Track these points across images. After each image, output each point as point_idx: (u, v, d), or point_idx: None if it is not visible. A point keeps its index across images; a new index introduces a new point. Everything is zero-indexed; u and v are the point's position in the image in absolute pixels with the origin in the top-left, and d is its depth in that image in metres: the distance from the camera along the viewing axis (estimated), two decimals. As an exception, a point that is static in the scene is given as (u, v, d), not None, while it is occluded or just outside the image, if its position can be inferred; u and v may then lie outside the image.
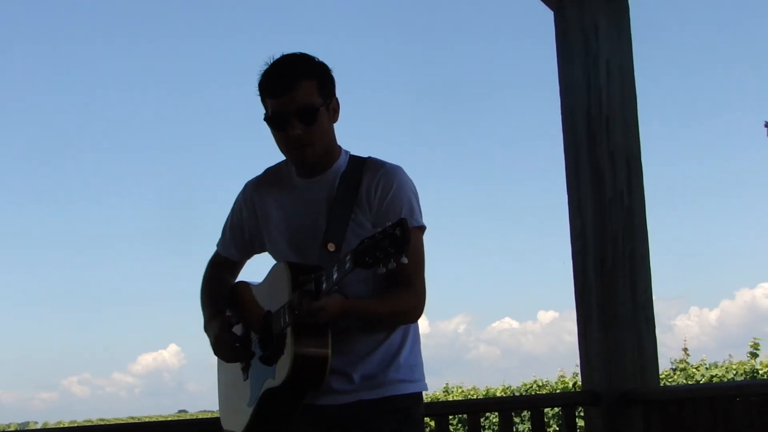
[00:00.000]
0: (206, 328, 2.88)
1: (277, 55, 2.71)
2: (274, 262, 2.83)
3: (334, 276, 2.38)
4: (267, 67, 2.70)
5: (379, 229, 2.26)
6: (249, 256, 2.96)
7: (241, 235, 2.91)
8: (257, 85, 2.71)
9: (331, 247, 2.59)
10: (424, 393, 2.80)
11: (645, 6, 5.05)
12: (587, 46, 4.61)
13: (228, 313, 2.87)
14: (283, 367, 2.57)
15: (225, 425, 2.92)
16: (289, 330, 2.56)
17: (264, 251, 2.89)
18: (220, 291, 2.95)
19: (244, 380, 2.79)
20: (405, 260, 2.24)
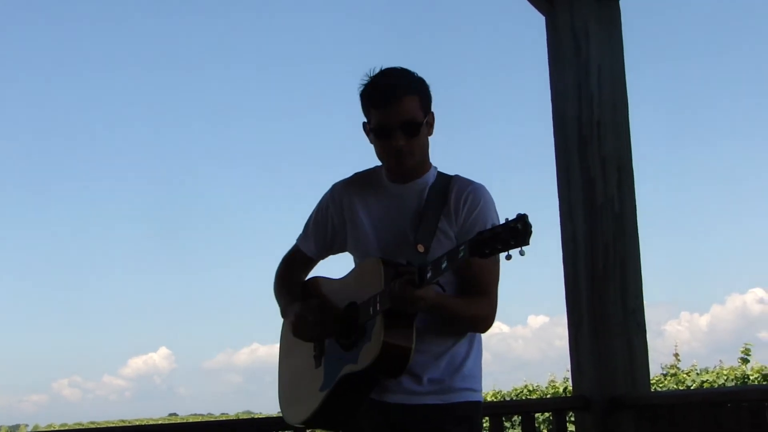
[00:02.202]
0: (284, 314, 2.99)
1: (378, 69, 2.86)
2: (352, 263, 2.95)
3: (443, 265, 2.50)
4: (371, 79, 2.86)
5: (500, 223, 2.39)
6: (326, 255, 3.07)
7: (323, 232, 3.01)
8: (360, 95, 2.87)
9: (420, 248, 2.73)
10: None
11: (637, 11, 5.06)
12: (578, 52, 4.61)
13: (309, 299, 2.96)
14: (368, 354, 2.68)
15: (288, 414, 3.02)
16: (377, 319, 2.67)
17: (342, 252, 3.01)
18: (294, 283, 3.06)
19: (317, 367, 2.89)
20: (522, 254, 2.35)
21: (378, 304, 2.66)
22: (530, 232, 2.32)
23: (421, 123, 2.80)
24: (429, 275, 2.55)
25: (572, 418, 4.72)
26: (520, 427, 4.64)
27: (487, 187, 2.86)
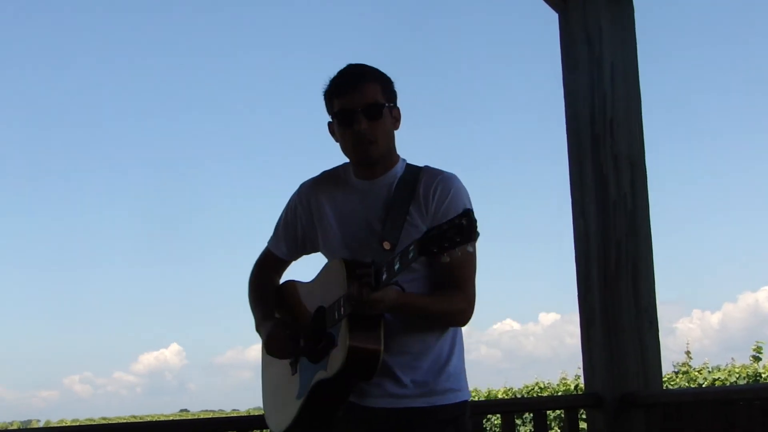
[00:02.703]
0: (258, 328, 2.96)
1: (343, 66, 2.86)
2: (323, 262, 2.91)
3: (396, 266, 2.45)
4: (334, 75, 2.85)
5: (444, 220, 2.35)
6: (298, 256, 3.04)
7: (294, 233, 2.98)
8: (323, 94, 2.86)
9: (386, 245, 2.68)
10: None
11: (650, 8, 5.05)
12: (592, 49, 4.61)
13: (278, 316, 2.95)
14: (336, 359, 2.64)
15: (270, 422, 2.99)
16: (343, 323, 2.63)
17: (314, 252, 2.98)
18: (269, 290, 3.04)
19: (293, 374, 2.86)
20: (471, 249, 2.32)
21: (342, 308, 2.63)
22: (476, 228, 2.28)
23: (383, 105, 2.78)
24: (384, 276, 2.50)
25: (584, 416, 4.73)
26: (531, 425, 4.64)
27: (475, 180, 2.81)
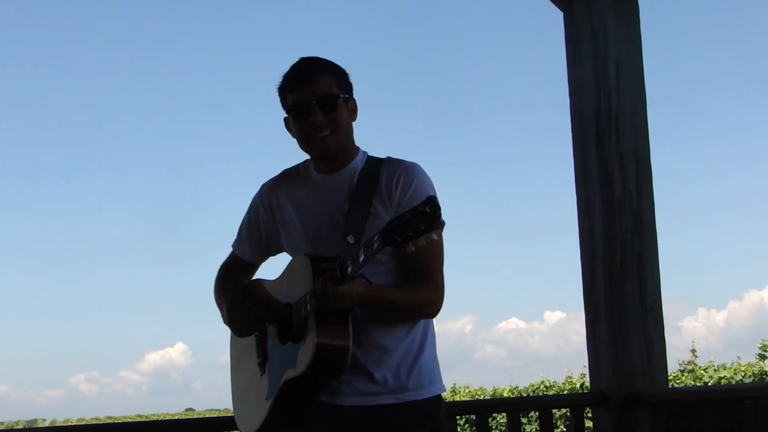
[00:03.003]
0: (223, 314, 2.89)
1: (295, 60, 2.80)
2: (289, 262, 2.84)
3: (361, 258, 2.39)
4: (287, 71, 2.79)
5: (408, 209, 2.28)
6: (264, 258, 2.98)
7: (258, 234, 2.93)
8: (277, 90, 2.79)
9: (351, 239, 2.63)
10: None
11: (655, 6, 5.05)
12: (597, 47, 4.60)
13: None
14: (304, 357, 2.58)
15: (241, 425, 2.93)
16: (310, 320, 2.57)
17: (279, 252, 2.92)
18: (234, 285, 2.95)
19: (261, 375, 2.81)
20: (435, 237, 2.27)
21: (308, 304, 2.57)
22: (439, 215, 2.22)
23: (338, 96, 2.72)
24: (350, 270, 2.44)
25: (589, 414, 4.72)
26: (537, 423, 4.63)
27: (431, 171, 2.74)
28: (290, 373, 2.64)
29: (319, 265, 2.57)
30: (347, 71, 2.81)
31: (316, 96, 2.71)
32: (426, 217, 2.22)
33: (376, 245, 2.31)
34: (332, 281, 2.47)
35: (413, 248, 2.25)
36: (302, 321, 2.62)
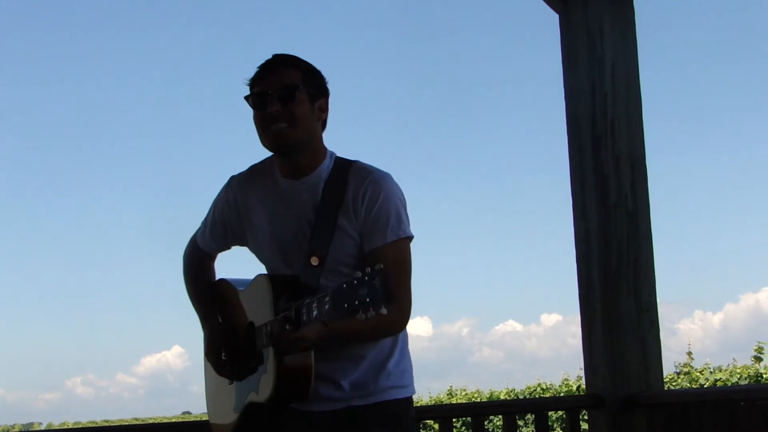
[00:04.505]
0: (203, 326, 2.88)
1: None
2: (253, 257, 2.85)
3: (314, 313, 2.33)
4: None
5: (359, 274, 2.19)
6: (225, 249, 2.97)
7: (222, 229, 2.90)
8: (247, 84, 2.74)
9: (314, 260, 2.61)
10: (418, 396, 2.81)
11: (651, 10, 5.05)
12: (592, 50, 4.61)
13: (220, 319, 2.86)
14: (266, 385, 2.58)
15: (214, 427, 2.93)
16: (271, 349, 2.56)
17: (243, 245, 2.90)
18: (205, 286, 2.96)
19: (230, 384, 2.80)
20: (384, 311, 2.16)
21: (267, 338, 2.55)
22: (386, 293, 2.14)
23: (297, 87, 2.65)
24: (305, 319, 2.38)
25: (585, 417, 4.72)
26: (533, 426, 4.64)
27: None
28: (253, 397, 2.65)
29: (279, 296, 2.56)
30: (323, 75, 2.76)
31: (277, 86, 2.66)
32: (374, 290, 2.15)
33: (327, 306, 2.25)
34: (288, 324, 2.42)
35: (363, 317, 2.17)
36: (264, 347, 2.61)
